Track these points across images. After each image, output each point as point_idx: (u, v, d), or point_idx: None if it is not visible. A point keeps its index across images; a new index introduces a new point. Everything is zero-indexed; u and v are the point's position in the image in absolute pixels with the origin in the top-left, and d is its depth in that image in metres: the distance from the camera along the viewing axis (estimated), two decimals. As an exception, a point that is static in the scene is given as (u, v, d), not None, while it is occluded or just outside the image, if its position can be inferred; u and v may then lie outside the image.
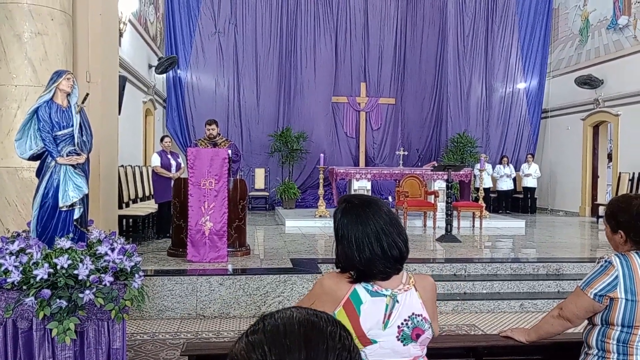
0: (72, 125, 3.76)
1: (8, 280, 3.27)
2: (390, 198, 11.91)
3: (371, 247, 1.74)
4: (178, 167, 8.70)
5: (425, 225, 10.47)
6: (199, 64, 14.46)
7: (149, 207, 8.86)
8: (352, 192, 11.04)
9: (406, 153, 12.91)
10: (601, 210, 11.51)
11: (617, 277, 2.16)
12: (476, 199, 11.52)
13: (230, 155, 6.76)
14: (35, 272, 3.26)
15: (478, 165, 12.41)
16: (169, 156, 8.72)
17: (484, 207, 10.83)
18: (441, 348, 2.39)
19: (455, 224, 9.27)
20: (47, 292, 3.24)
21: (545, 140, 15.51)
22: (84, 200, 3.80)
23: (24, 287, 3.28)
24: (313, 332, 0.78)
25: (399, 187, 10.58)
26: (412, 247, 1.97)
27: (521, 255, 7.97)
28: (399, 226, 1.81)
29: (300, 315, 0.81)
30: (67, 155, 3.70)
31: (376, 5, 15.01)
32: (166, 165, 8.56)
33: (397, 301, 1.76)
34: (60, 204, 3.67)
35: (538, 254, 7.98)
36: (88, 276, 3.33)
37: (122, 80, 8.26)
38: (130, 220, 8.24)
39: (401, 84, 15.28)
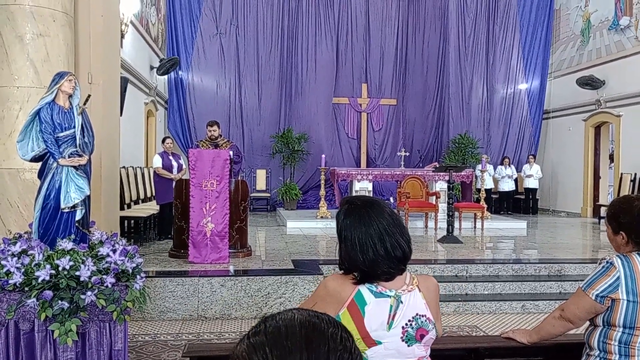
0: (74, 127, 3.77)
1: (10, 281, 3.27)
2: (391, 199, 11.90)
3: (374, 248, 1.75)
4: (179, 169, 8.70)
5: (426, 226, 10.47)
6: (200, 65, 14.47)
7: (151, 208, 8.87)
8: (354, 193, 11.05)
9: (407, 154, 12.91)
10: (603, 211, 11.49)
11: (618, 278, 2.16)
12: (477, 200, 11.52)
13: (232, 157, 6.77)
14: (37, 273, 3.27)
15: (479, 166, 12.41)
16: (171, 157, 8.72)
17: (485, 208, 10.82)
18: (443, 349, 2.39)
19: (456, 225, 9.27)
20: (49, 293, 3.25)
21: (546, 141, 15.49)
22: (86, 201, 3.81)
23: (26, 289, 3.29)
24: (314, 334, 0.78)
25: (401, 188, 10.58)
26: (414, 248, 1.97)
27: (523, 256, 7.96)
28: (401, 227, 1.81)
29: (302, 317, 0.81)
30: (69, 157, 3.71)
31: (377, 6, 15.02)
32: (168, 167, 8.57)
33: (401, 302, 1.77)
34: (62, 206, 3.68)
35: (540, 255, 7.97)
36: (90, 277, 3.33)
37: (124, 82, 8.27)
38: (132, 221, 8.24)
39: (402, 85, 15.27)
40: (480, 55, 15.39)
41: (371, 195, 9.64)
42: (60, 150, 3.70)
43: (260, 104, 14.68)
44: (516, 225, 11.00)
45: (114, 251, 3.53)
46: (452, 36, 15.12)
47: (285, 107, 14.75)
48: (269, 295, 5.77)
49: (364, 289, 1.77)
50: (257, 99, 14.68)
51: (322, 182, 11.34)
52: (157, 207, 8.68)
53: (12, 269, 3.29)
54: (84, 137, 3.83)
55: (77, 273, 3.31)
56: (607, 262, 2.21)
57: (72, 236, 3.64)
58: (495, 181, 14.39)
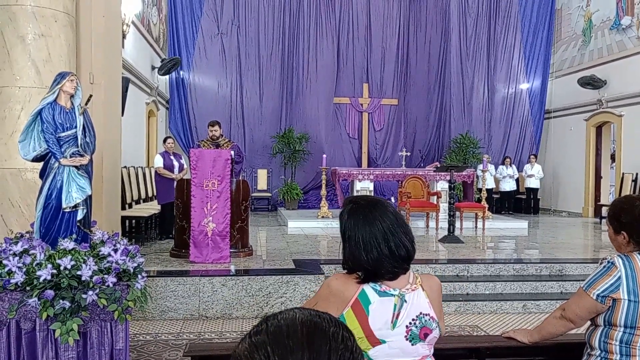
0: (76, 127, 3.78)
1: (12, 281, 3.28)
2: (392, 199, 11.90)
3: (379, 247, 1.75)
4: (181, 168, 8.71)
5: (427, 226, 10.47)
6: (201, 65, 14.47)
7: (152, 208, 8.88)
8: (355, 193, 11.05)
9: (409, 154, 12.91)
10: (604, 211, 11.48)
11: (619, 278, 2.16)
12: (479, 200, 11.51)
13: (233, 156, 6.77)
14: (38, 273, 3.27)
15: (481, 166, 12.40)
16: (172, 157, 8.73)
17: (486, 208, 10.82)
18: (444, 349, 2.39)
19: (457, 224, 9.27)
20: (50, 292, 3.25)
21: (548, 141, 15.48)
22: (87, 201, 3.82)
23: (28, 288, 3.30)
24: (316, 333, 0.79)
25: (402, 188, 10.58)
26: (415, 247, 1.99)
27: (524, 256, 7.96)
28: (405, 226, 1.82)
29: (303, 316, 0.82)
30: (71, 157, 3.72)
31: (379, 6, 15.01)
32: (169, 167, 8.57)
33: (405, 301, 1.78)
34: (64, 205, 3.68)
35: (541, 254, 7.97)
36: (91, 277, 3.34)
37: (125, 82, 8.27)
38: (133, 221, 8.25)
39: (404, 85, 15.27)
40: (482, 55, 15.38)
41: (372, 195, 9.64)
42: (62, 150, 3.71)
43: (261, 103, 14.69)
44: (517, 225, 11.00)
45: (116, 251, 3.54)
46: (454, 36, 15.11)
47: (287, 107, 14.75)
48: (270, 295, 5.77)
49: (368, 288, 1.77)
50: (258, 99, 14.68)
51: (323, 182, 11.34)
52: (159, 207, 8.69)
53: (13, 269, 3.29)
54: (85, 137, 3.84)
55: (79, 272, 3.32)
56: (608, 261, 2.21)
57: (74, 236, 3.64)
58: (497, 181, 14.38)
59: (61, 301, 3.27)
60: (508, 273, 6.79)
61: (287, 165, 14.45)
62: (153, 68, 12.47)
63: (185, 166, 8.80)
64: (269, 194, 14.30)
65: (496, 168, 14.45)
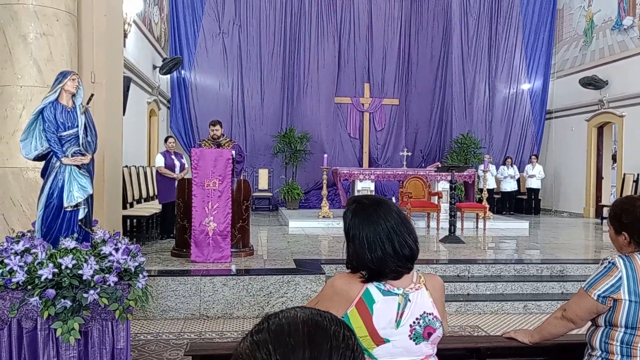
0: (77, 126, 3.78)
1: (13, 280, 3.28)
2: (393, 199, 11.90)
3: (383, 246, 1.76)
4: (182, 168, 8.72)
5: (428, 226, 10.46)
6: (203, 65, 14.48)
7: (153, 207, 8.89)
8: (356, 193, 11.05)
9: (410, 154, 12.91)
10: (605, 212, 11.47)
11: (620, 278, 2.16)
12: (480, 200, 11.51)
13: (234, 156, 6.78)
14: (40, 272, 3.28)
15: (482, 166, 12.39)
16: (173, 157, 8.73)
17: (487, 208, 10.81)
18: (444, 349, 2.39)
19: (458, 225, 9.26)
20: (51, 292, 3.26)
21: (549, 141, 15.47)
22: (89, 200, 3.82)
23: (29, 287, 3.30)
24: (317, 332, 0.79)
25: (403, 188, 10.58)
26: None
27: (525, 256, 7.95)
28: (409, 226, 1.83)
29: (305, 314, 0.82)
30: (72, 156, 3.72)
31: (380, 6, 15.01)
32: (170, 166, 8.58)
33: (409, 300, 1.78)
34: (65, 204, 3.69)
35: (542, 255, 7.96)
36: (92, 276, 3.34)
37: (127, 81, 8.28)
38: (134, 220, 8.26)
39: (405, 85, 15.26)
40: (483, 55, 15.37)
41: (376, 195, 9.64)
42: (64, 149, 3.71)
43: (262, 103, 14.69)
44: (518, 226, 11.00)
45: (117, 250, 3.54)
46: (455, 36, 15.11)
47: (288, 107, 14.75)
48: (270, 295, 5.78)
49: (372, 287, 1.78)
50: (259, 99, 14.69)
51: (324, 181, 11.35)
52: (160, 206, 8.69)
53: (15, 268, 3.30)
54: (86, 136, 3.84)
55: (80, 272, 3.32)
56: (609, 262, 2.21)
57: (75, 235, 3.64)
58: (498, 181, 14.37)
59: (62, 300, 3.27)
60: (509, 273, 6.79)
61: (288, 165, 14.45)
62: (154, 67, 12.48)
63: (186, 166, 8.81)
64: (270, 194, 14.31)
65: (497, 168, 14.45)
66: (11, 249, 3.42)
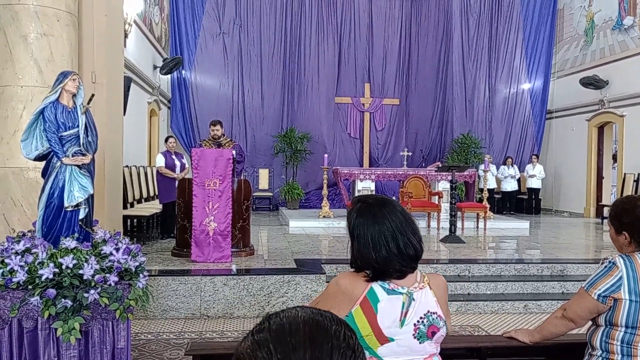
0: (78, 126, 3.78)
1: (14, 279, 3.28)
2: (394, 199, 11.91)
3: (387, 246, 1.76)
4: (182, 168, 8.73)
5: (429, 226, 10.46)
6: (203, 65, 14.48)
7: (154, 207, 8.89)
8: (357, 193, 11.05)
9: (410, 154, 12.90)
10: (606, 212, 11.47)
11: (621, 278, 2.16)
12: (480, 200, 11.51)
13: (235, 156, 6.78)
14: (40, 271, 3.28)
15: (482, 166, 12.39)
16: (174, 157, 8.74)
17: (488, 208, 10.81)
18: (444, 349, 2.39)
19: (459, 224, 9.26)
20: (52, 291, 3.26)
21: (549, 141, 15.47)
22: (89, 200, 3.82)
23: (30, 287, 3.30)
24: (318, 331, 0.79)
25: (403, 187, 10.58)
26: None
27: (525, 256, 7.95)
28: (413, 225, 1.84)
29: (305, 314, 0.82)
30: (73, 156, 3.72)
31: (380, 6, 15.00)
32: (170, 166, 8.58)
33: (413, 299, 1.79)
34: (66, 204, 3.69)
35: (542, 255, 7.96)
36: (93, 276, 3.34)
37: (127, 81, 8.29)
38: (135, 220, 8.26)
39: (406, 85, 15.26)
40: (483, 55, 15.37)
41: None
42: (64, 149, 3.71)
43: (263, 103, 14.69)
44: (519, 225, 10.99)
45: (117, 250, 3.54)
46: (456, 36, 15.11)
47: (288, 107, 14.75)
48: (271, 295, 5.78)
49: (376, 286, 1.78)
50: (260, 99, 14.69)
51: (325, 181, 11.35)
52: (160, 206, 8.70)
53: (15, 267, 3.30)
54: (87, 136, 3.84)
55: (81, 271, 3.33)
56: (609, 262, 2.21)
57: (76, 235, 3.64)
58: (498, 181, 14.37)
59: (63, 300, 3.27)
60: (509, 273, 6.79)
61: (288, 165, 14.46)
62: (155, 67, 12.48)
63: (186, 165, 8.81)
64: (271, 194, 14.31)
65: (498, 168, 14.45)
66: (12, 248, 3.42)
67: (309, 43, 14.71)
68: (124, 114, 6.65)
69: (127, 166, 8.44)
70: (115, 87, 5.88)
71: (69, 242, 3.47)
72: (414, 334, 1.78)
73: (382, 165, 14.72)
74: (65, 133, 3.72)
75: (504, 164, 14.42)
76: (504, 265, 6.91)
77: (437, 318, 1.81)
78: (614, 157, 14.18)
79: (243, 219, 6.85)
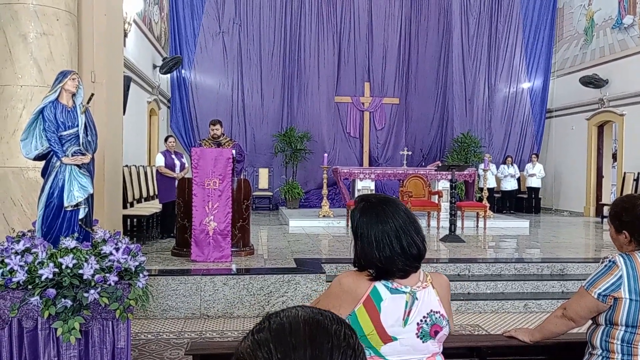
0: (77, 126, 3.78)
1: (13, 279, 3.28)
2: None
3: (391, 245, 1.76)
4: (182, 167, 8.72)
5: (429, 225, 10.46)
6: (203, 64, 14.47)
7: (153, 207, 8.89)
8: (356, 192, 11.05)
9: (410, 153, 12.90)
10: (606, 211, 11.47)
11: (621, 277, 2.16)
12: (480, 199, 11.51)
13: (235, 155, 6.78)
14: (40, 271, 3.28)
15: (482, 165, 12.39)
16: (173, 156, 8.74)
17: (487, 207, 10.81)
18: (445, 348, 2.39)
19: (459, 224, 9.26)
20: (52, 291, 3.26)
21: (549, 140, 15.47)
22: (89, 200, 3.82)
23: (29, 287, 3.30)
24: (318, 331, 0.79)
25: (403, 187, 10.58)
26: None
27: (525, 255, 7.95)
28: (416, 225, 1.84)
29: (306, 313, 0.82)
30: (72, 155, 3.72)
31: (380, 5, 15.00)
32: (170, 165, 8.58)
33: (417, 298, 1.79)
34: (66, 204, 3.69)
35: (542, 254, 7.96)
36: (93, 276, 3.34)
37: (127, 81, 8.28)
38: (135, 220, 8.26)
39: (405, 84, 15.26)
40: (483, 54, 15.37)
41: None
42: (64, 148, 3.71)
43: (262, 102, 14.69)
44: (519, 225, 10.99)
45: (117, 249, 3.54)
46: (455, 35, 15.10)
47: (288, 106, 14.75)
48: (271, 294, 5.78)
49: (379, 285, 1.78)
50: (259, 98, 14.69)
51: (325, 181, 11.35)
52: (160, 206, 8.70)
53: (15, 267, 3.30)
54: (87, 135, 3.84)
55: (80, 271, 3.32)
56: (609, 261, 2.21)
57: (75, 234, 3.64)
58: (498, 180, 14.38)
59: (63, 300, 3.27)
60: (509, 272, 6.79)
61: (288, 165, 14.45)
62: (154, 67, 12.48)
63: (186, 165, 8.81)
64: (270, 193, 14.31)
65: (497, 167, 14.45)
66: (12, 248, 3.42)
67: (308, 42, 14.71)
68: (124, 114, 6.64)
69: (126, 166, 8.44)
70: (115, 87, 5.87)
71: (69, 242, 3.47)
72: (417, 333, 1.78)
73: (382, 164, 14.72)
74: (64, 132, 3.72)
75: (504, 163, 14.42)
76: (504, 264, 6.91)
77: (440, 317, 1.81)
78: (614, 156, 14.18)
79: (243, 219, 6.85)
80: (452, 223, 8.48)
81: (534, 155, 14.54)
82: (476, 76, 15.34)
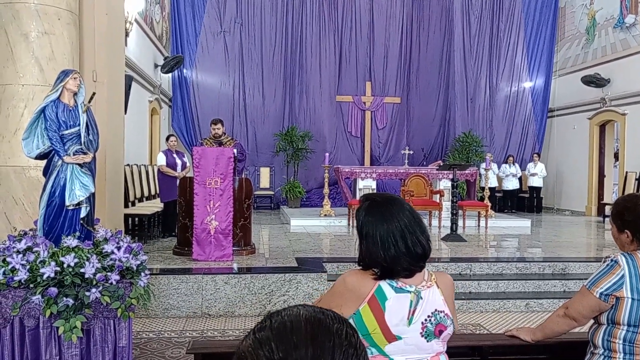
0: (79, 125, 3.78)
1: (15, 278, 3.29)
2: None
3: (396, 245, 1.76)
4: (183, 166, 8.73)
5: (430, 225, 10.44)
6: (204, 63, 14.48)
7: (155, 206, 8.89)
8: (357, 192, 11.05)
9: (411, 152, 12.89)
10: (607, 210, 11.45)
11: (623, 276, 2.15)
12: (481, 198, 11.50)
13: (236, 155, 6.78)
14: (42, 270, 3.28)
15: (484, 165, 12.38)
16: (175, 155, 8.75)
17: (489, 207, 10.80)
18: (447, 347, 2.40)
19: (460, 223, 9.26)
20: (53, 290, 3.26)
21: (551, 140, 15.45)
22: (91, 199, 3.82)
23: (31, 285, 3.30)
24: (320, 329, 0.79)
25: (404, 186, 10.57)
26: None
27: (527, 254, 7.95)
28: (421, 224, 1.84)
29: (307, 312, 0.82)
30: (74, 154, 3.72)
31: (382, 4, 14.98)
32: (172, 165, 8.59)
33: (421, 297, 1.79)
34: (67, 203, 3.69)
35: (544, 253, 7.95)
36: (94, 274, 3.34)
37: (128, 80, 8.28)
38: (136, 219, 8.27)
39: (407, 83, 15.24)
40: (485, 53, 15.35)
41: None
42: (65, 147, 3.71)
43: (264, 101, 14.69)
44: (520, 224, 10.98)
45: (119, 248, 3.54)
46: (457, 34, 15.09)
47: (289, 105, 14.75)
48: (272, 293, 5.78)
49: (384, 285, 1.78)
50: (261, 97, 14.69)
51: (326, 180, 11.34)
52: (161, 205, 8.70)
53: (17, 266, 3.30)
54: (88, 134, 3.84)
55: (82, 270, 3.33)
56: (611, 260, 2.20)
57: (77, 233, 3.65)
58: (500, 179, 14.37)
59: (64, 298, 3.28)
60: (511, 272, 6.78)
61: (289, 164, 14.45)
62: (156, 66, 12.48)
63: (188, 164, 8.81)
64: (272, 192, 14.31)
65: (499, 166, 14.44)
66: (13, 247, 3.42)
67: (310, 41, 14.70)
68: (125, 113, 6.64)
69: (128, 165, 8.44)
70: (116, 86, 5.87)
71: (71, 241, 3.47)
72: (421, 332, 1.78)
73: (384, 163, 14.71)
74: (66, 132, 3.72)
75: (505, 162, 14.41)
76: (506, 263, 6.90)
77: (444, 316, 1.81)
78: (616, 156, 14.16)
79: (244, 218, 6.85)
80: (454, 222, 8.47)
81: (535, 155, 14.52)
82: (478, 75, 15.32)
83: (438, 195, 10.36)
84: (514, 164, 14.30)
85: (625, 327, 2.16)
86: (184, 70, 14.22)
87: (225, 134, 7.97)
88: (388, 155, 15.15)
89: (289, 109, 14.73)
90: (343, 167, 11.63)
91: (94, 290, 3.32)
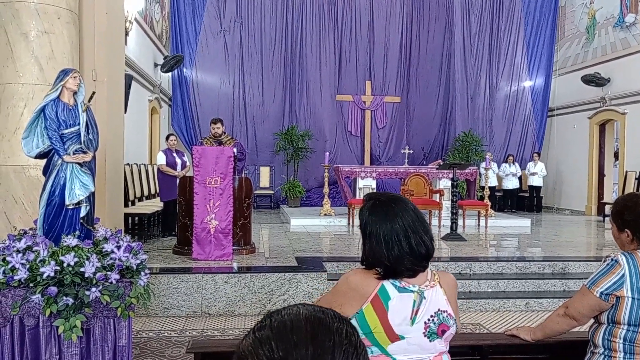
0: (79, 124, 3.78)
1: (15, 277, 3.29)
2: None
3: (400, 244, 1.76)
4: (183, 166, 8.73)
5: (430, 224, 10.45)
6: (204, 63, 14.47)
7: (155, 205, 8.89)
8: (357, 191, 11.05)
9: (411, 151, 12.89)
10: (607, 209, 11.45)
11: (623, 275, 2.15)
12: (481, 198, 11.50)
13: (236, 154, 6.78)
14: (42, 269, 3.28)
15: (483, 164, 12.38)
16: (175, 154, 8.74)
17: (489, 206, 10.80)
18: (446, 346, 2.40)
19: (460, 222, 9.25)
20: (53, 289, 3.26)
21: (551, 139, 15.45)
22: (90, 198, 3.82)
23: (31, 285, 3.30)
24: (320, 328, 0.78)
25: (404, 185, 10.57)
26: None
27: (527, 254, 7.95)
28: (425, 224, 1.83)
29: (307, 311, 0.82)
30: (74, 154, 3.72)
31: (382, 3, 14.98)
32: (171, 164, 8.59)
33: (424, 297, 1.79)
34: (67, 202, 3.69)
35: (544, 252, 7.96)
36: (94, 274, 3.34)
37: (128, 79, 8.28)
38: (136, 218, 8.27)
39: (407, 82, 15.24)
40: (485, 52, 15.35)
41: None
42: (65, 147, 3.71)
43: (264, 101, 14.68)
44: (520, 223, 10.98)
45: (119, 248, 3.54)
46: (457, 33, 15.08)
47: (289, 105, 14.74)
48: (272, 292, 5.78)
49: (387, 284, 1.78)
50: (261, 97, 14.68)
51: (326, 179, 11.34)
52: (161, 204, 8.70)
53: (17, 265, 3.30)
54: (88, 134, 3.84)
55: (82, 269, 3.33)
56: (611, 259, 2.20)
57: (77, 232, 3.64)
58: (499, 179, 14.37)
59: (64, 298, 3.27)
60: (511, 271, 6.78)
61: (289, 163, 14.45)
62: (156, 65, 12.48)
63: (187, 163, 8.81)
64: (272, 192, 14.31)
65: (499, 166, 14.44)
66: (13, 246, 3.42)
67: (309, 41, 14.70)
68: (125, 112, 6.64)
69: (128, 164, 8.44)
70: (116, 85, 5.87)
71: (70, 240, 3.47)
72: (424, 332, 1.78)
73: (383, 163, 14.70)
74: (66, 131, 3.72)
75: (505, 161, 14.41)
76: (506, 263, 6.90)
77: (447, 316, 1.81)
78: (616, 155, 14.16)
79: (244, 217, 6.85)
80: (454, 222, 8.47)
81: (535, 154, 14.52)
82: (478, 74, 15.32)
83: (438, 195, 10.36)
84: (513, 164, 14.30)
85: (626, 327, 2.16)
86: (184, 70, 14.21)
87: (225, 133, 7.97)
88: (388, 154, 15.15)
89: (289, 108, 14.73)
90: (343, 167, 11.63)
91: (93, 289, 3.32)
